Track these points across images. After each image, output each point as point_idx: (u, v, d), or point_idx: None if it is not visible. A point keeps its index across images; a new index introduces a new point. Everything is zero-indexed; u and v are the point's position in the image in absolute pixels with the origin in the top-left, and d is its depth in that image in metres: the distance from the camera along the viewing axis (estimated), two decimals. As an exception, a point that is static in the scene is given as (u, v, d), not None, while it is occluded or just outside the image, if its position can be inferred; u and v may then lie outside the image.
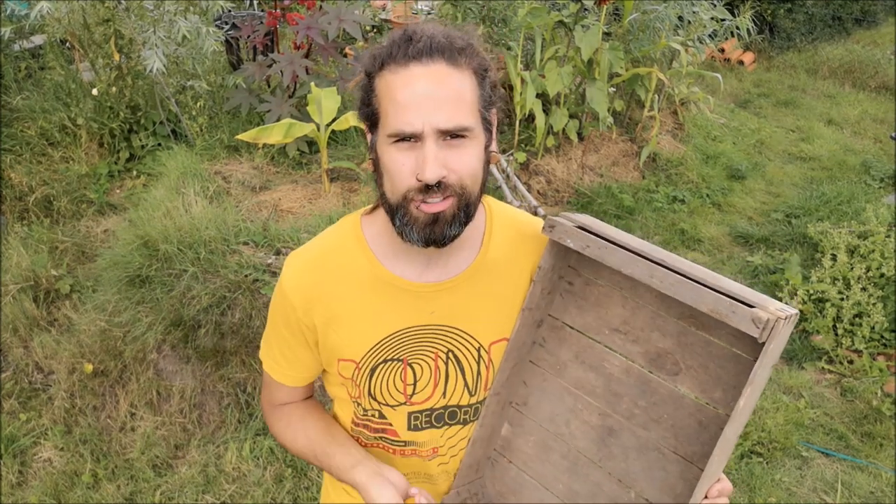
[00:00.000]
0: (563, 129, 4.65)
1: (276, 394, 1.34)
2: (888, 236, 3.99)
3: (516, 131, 4.62)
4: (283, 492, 2.71)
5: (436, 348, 1.20)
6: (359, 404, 1.26)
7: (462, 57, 1.05)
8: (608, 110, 4.80)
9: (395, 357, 1.20)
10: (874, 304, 3.63)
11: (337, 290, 1.20)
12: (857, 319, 3.64)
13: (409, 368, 1.21)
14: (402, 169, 1.05)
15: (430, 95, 1.03)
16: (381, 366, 1.20)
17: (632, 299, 1.17)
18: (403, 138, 1.04)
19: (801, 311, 3.73)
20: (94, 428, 2.96)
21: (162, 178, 3.75)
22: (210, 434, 2.95)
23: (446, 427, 1.26)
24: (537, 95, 4.42)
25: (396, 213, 1.08)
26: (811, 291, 3.79)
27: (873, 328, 3.58)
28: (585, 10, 4.59)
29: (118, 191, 4.38)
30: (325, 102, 3.49)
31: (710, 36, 5.40)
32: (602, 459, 1.22)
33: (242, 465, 2.79)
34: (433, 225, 1.07)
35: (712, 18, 5.26)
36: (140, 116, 4.48)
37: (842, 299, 3.71)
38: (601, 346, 1.21)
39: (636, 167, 5.08)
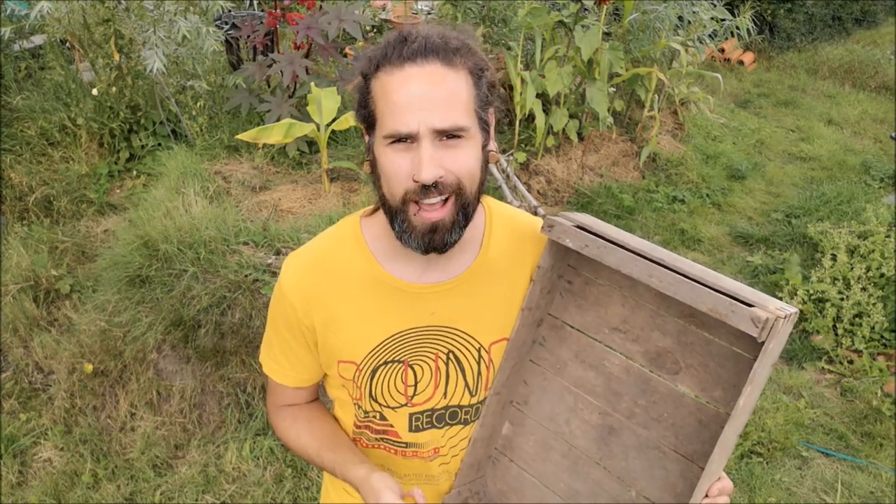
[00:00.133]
0: (563, 129, 4.65)
1: (280, 396, 1.34)
2: (888, 236, 3.99)
3: (516, 131, 4.62)
4: (283, 492, 2.71)
5: (436, 349, 1.20)
6: (359, 406, 1.26)
7: (457, 57, 1.05)
8: (608, 110, 4.80)
9: (396, 359, 1.20)
10: (874, 304, 3.63)
11: (336, 291, 1.20)
12: (857, 319, 3.64)
13: (409, 370, 1.21)
14: (399, 170, 1.05)
15: (425, 96, 1.02)
16: (382, 367, 1.20)
17: (631, 298, 1.17)
18: (399, 139, 1.04)
19: (801, 311, 3.73)
20: (94, 428, 2.96)
21: (162, 178, 3.75)
22: (210, 434, 2.95)
23: (447, 427, 1.26)
24: (537, 95, 4.42)
25: (396, 217, 1.09)
26: (811, 291, 3.79)
27: (873, 328, 3.58)
28: (585, 10, 4.59)
29: (118, 191, 4.38)
30: (325, 102, 3.49)
31: (710, 36, 5.40)
32: (602, 458, 1.22)
33: (242, 465, 2.79)
34: (433, 234, 1.08)
35: (712, 18, 5.26)
36: (140, 116, 4.48)
37: (842, 299, 3.71)
38: (601, 345, 1.21)
39: (636, 167, 5.08)
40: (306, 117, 3.69)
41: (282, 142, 3.53)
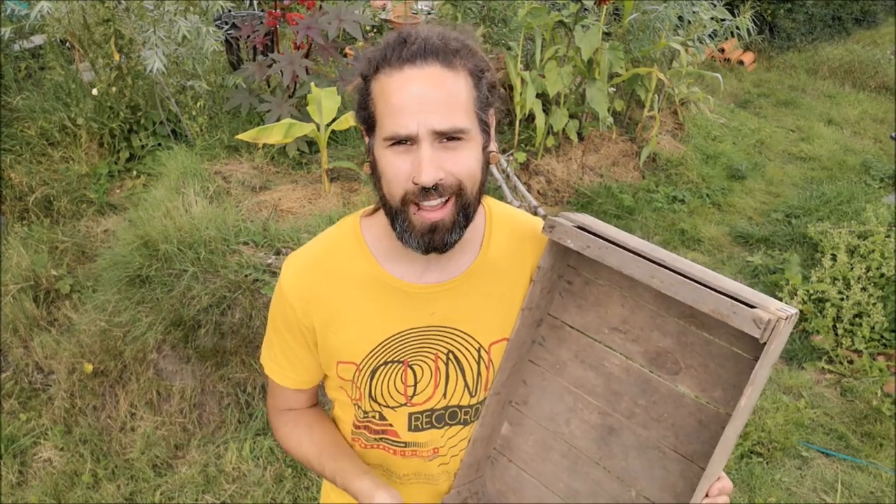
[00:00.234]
0: (563, 129, 4.65)
1: (280, 399, 1.34)
2: (888, 236, 3.99)
3: (516, 131, 4.62)
4: (283, 492, 2.71)
5: (436, 349, 1.20)
6: (359, 406, 1.26)
7: (457, 58, 1.05)
8: (608, 110, 4.80)
9: (396, 359, 1.20)
10: (874, 304, 3.63)
11: (336, 292, 1.20)
12: (857, 319, 3.64)
13: (409, 370, 1.21)
14: (399, 173, 1.05)
15: (424, 97, 1.02)
16: (382, 367, 1.20)
17: (631, 298, 1.17)
18: (399, 141, 1.04)
19: (801, 311, 3.73)
20: (94, 428, 2.96)
21: (162, 178, 3.75)
22: (210, 434, 2.95)
23: (447, 427, 1.26)
24: (537, 95, 4.42)
25: (396, 218, 1.09)
26: (811, 291, 3.79)
27: (873, 328, 3.58)
28: (585, 10, 4.59)
29: (118, 191, 4.38)
30: (325, 102, 3.49)
31: (710, 36, 5.39)
32: (602, 458, 1.22)
33: (242, 465, 2.79)
34: (432, 233, 1.07)
35: (712, 18, 5.26)
36: (140, 116, 4.48)
37: (842, 299, 3.71)
38: (601, 346, 1.21)
39: (636, 167, 5.08)
40: (306, 117, 3.69)
41: (282, 142, 3.53)
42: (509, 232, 1.24)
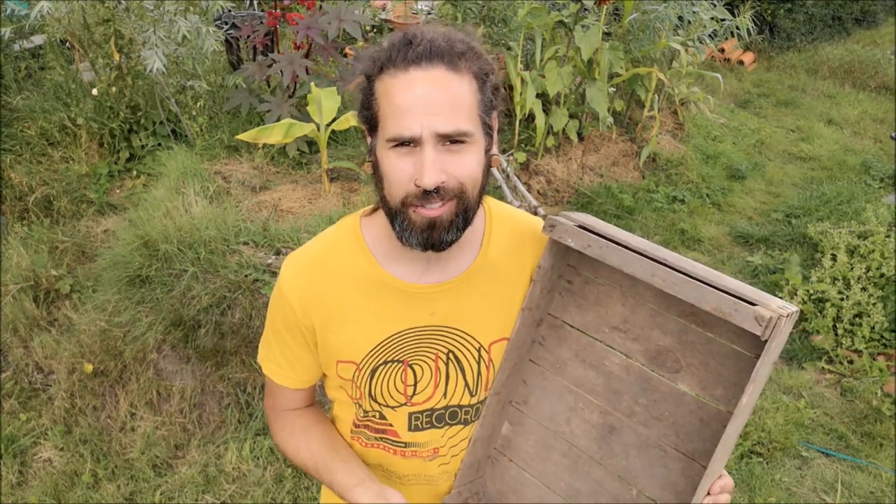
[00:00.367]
0: (563, 129, 4.65)
1: (278, 398, 1.33)
2: (888, 236, 3.99)
3: (516, 131, 4.62)
4: (283, 492, 2.71)
5: (436, 349, 1.20)
6: (359, 406, 1.26)
7: (462, 61, 1.04)
8: (608, 110, 4.80)
9: (396, 358, 1.20)
10: (874, 304, 3.63)
11: (336, 292, 1.19)
12: (857, 319, 3.64)
13: (409, 369, 1.21)
14: (401, 174, 1.05)
15: (428, 100, 1.02)
16: (382, 367, 1.20)
17: (631, 297, 1.17)
18: (402, 143, 1.04)
19: (801, 310, 3.73)
20: (94, 428, 2.96)
21: (162, 178, 3.75)
22: (210, 434, 2.95)
23: (447, 427, 1.26)
24: (537, 95, 4.42)
25: (396, 218, 1.08)
26: (811, 291, 3.79)
27: (873, 328, 3.58)
28: (585, 10, 4.59)
29: (118, 191, 4.38)
30: (325, 102, 3.49)
31: (710, 36, 5.39)
32: (603, 457, 1.22)
33: (242, 465, 2.79)
34: (431, 230, 1.07)
35: (712, 18, 5.26)
36: (140, 116, 4.48)
37: (842, 299, 3.71)
38: (601, 345, 1.21)
39: (636, 167, 5.08)
40: (306, 117, 3.69)
41: (282, 142, 3.53)
42: (509, 232, 1.24)
